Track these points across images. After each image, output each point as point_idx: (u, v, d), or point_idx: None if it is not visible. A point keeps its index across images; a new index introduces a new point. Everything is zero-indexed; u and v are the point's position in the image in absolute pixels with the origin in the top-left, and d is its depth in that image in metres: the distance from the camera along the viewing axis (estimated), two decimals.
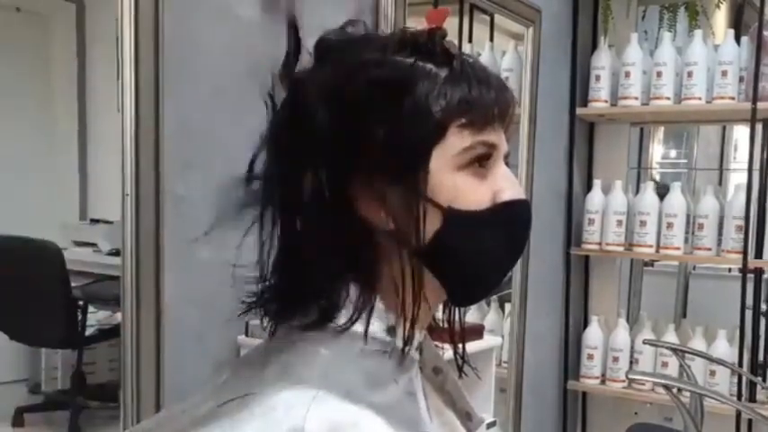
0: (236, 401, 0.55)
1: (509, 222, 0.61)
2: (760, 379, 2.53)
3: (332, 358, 0.56)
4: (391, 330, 0.58)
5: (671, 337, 2.64)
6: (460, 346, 0.67)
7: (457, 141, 0.58)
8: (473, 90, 0.58)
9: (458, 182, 0.58)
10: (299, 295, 0.59)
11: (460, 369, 0.68)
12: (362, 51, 0.59)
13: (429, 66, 0.58)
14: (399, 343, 0.59)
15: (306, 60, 0.61)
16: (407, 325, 0.58)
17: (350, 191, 0.58)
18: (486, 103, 0.59)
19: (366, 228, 0.59)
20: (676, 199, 2.62)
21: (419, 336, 0.62)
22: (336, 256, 0.58)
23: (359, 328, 0.58)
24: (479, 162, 0.59)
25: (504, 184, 0.60)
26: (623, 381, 2.70)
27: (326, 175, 0.57)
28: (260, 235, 0.60)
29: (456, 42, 2.58)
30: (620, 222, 2.71)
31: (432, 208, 0.58)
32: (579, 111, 2.77)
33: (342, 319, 0.57)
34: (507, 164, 0.62)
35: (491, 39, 2.57)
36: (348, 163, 0.57)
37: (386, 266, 0.59)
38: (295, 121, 0.59)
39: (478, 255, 0.60)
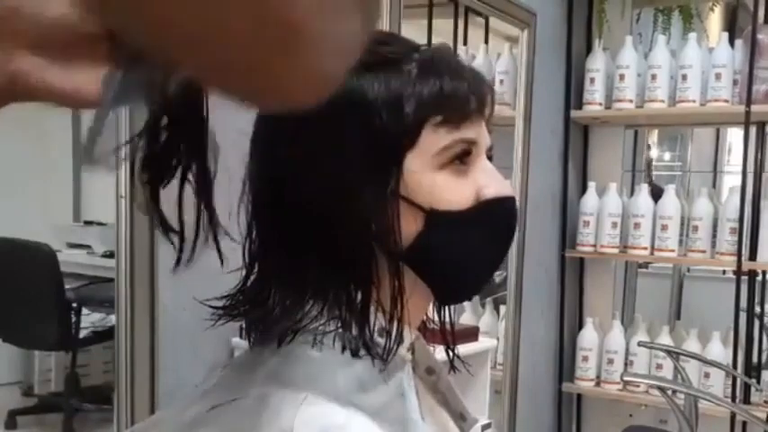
0: (225, 406, 0.55)
1: (493, 220, 0.59)
2: (754, 381, 2.54)
3: (321, 360, 0.55)
4: (381, 332, 0.58)
5: (665, 338, 2.65)
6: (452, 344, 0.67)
7: (433, 141, 0.56)
8: (446, 85, 0.56)
9: (438, 182, 0.57)
10: (290, 298, 0.58)
11: (452, 365, 0.68)
12: None
13: (401, 64, 0.57)
14: (389, 344, 0.58)
15: None
16: (394, 326, 0.58)
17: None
18: (460, 96, 0.57)
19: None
20: (671, 201, 2.63)
21: (410, 336, 0.62)
22: (328, 259, 0.57)
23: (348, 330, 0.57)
24: (460, 159, 0.58)
25: (487, 181, 0.59)
26: (618, 383, 2.70)
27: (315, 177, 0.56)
28: (247, 235, 0.59)
29: (450, 44, 2.56)
30: (614, 224, 2.71)
31: (413, 210, 0.57)
32: (574, 113, 2.77)
33: (331, 321, 0.57)
34: (490, 158, 0.61)
35: (486, 41, 2.58)
36: (328, 165, 0.56)
37: (375, 269, 0.59)
38: (276, 126, 0.59)
39: (462, 255, 0.59)
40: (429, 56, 0.58)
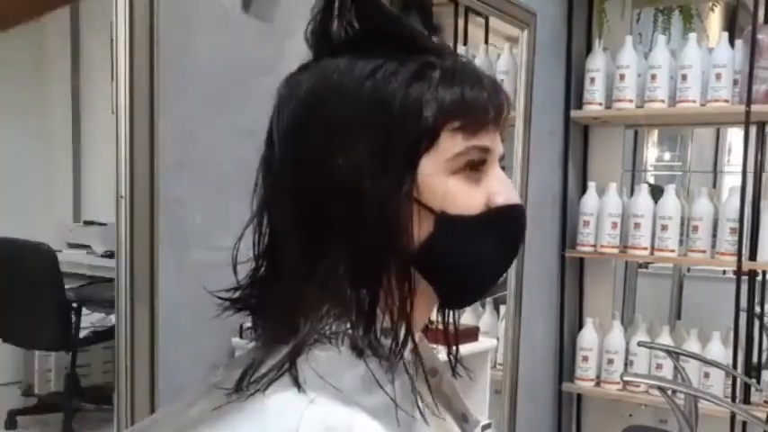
0: (230, 405, 0.55)
1: (502, 228, 0.60)
2: (754, 381, 2.54)
3: (327, 360, 0.55)
4: (387, 333, 0.58)
5: (665, 338, 2.65)
6: (454, 347, 0.67)
7: (449, 146, 0.57)
8: (466, 93, 0.57)
9: (450, 186, 0.58)
10: (298, 297, 0.58)
11: (454, 370, 0.68)
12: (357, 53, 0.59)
13: (424, 68, 0.57)
14: (396, 346, 0.58)
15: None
16: (402, 328, 0.58)
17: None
18: (479, 105, 0.58)
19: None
20: (671, 201, 2.63)
21: (415, 337, 0.62)
22: (337, 258, 0.57)
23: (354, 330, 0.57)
24: (473, 166, 0.58)
25: (498, 188, 0.59)
26: (618, 383, 2.70)
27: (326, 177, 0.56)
28: (256, 231, 0.60)
29: (450, 44, 2.57)
30: (614, 225, 2.71)
31: (424, 213, 0.57)
32: (574, 113, 2.77)
33: (337, 321, 0.57)
34: (502, 166, 0.61)
35: (486, 41, 2.58)
36: (344, 163, 0.56)
37: (383, 270, 0.59)
38: (293, 122, 0.59)
39: (471, 260, 0.59)
40: (452, 63, 0.59)
